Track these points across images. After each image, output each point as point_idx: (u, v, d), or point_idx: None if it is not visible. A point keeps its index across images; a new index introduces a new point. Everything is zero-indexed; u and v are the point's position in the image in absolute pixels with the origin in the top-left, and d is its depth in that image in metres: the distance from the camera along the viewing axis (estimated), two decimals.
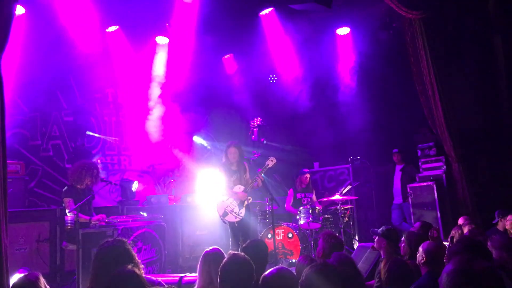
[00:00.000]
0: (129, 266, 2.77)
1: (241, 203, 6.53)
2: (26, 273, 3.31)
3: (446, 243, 4.62)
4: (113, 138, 8.97)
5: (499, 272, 2.13)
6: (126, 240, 3.39)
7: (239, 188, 6.58)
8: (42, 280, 3.19)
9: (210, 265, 3.48)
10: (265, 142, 9.44)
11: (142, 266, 3.31)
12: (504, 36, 7.94)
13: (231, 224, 6.54)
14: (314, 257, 4.32)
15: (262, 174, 6.58)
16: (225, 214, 6.50)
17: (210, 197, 7.79)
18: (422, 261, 3.63)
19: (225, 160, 6.75)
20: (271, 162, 6.62)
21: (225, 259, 3.10)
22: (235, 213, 6.48)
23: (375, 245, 4.81)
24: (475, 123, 8.01)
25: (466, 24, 7.94)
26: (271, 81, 10.75)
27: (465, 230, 5.44)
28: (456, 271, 2.04)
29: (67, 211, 5.74)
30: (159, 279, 3.71)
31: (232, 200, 6.55)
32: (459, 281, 2.01)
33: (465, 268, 2.03)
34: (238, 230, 6.55)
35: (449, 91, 7.75)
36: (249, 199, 6.65)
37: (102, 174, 6.76)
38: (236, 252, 3.22)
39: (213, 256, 3.56)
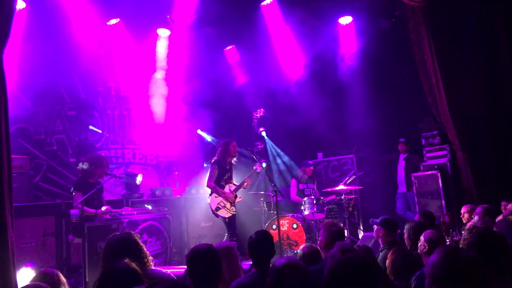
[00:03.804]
0: (126, 260, 2.67)
1: (233, 200, 6.75)
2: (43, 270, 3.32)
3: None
4: (106, 134, 9.00)
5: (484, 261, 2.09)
6: (133, 233, 3.40)
7: (231, 187, 6.78)
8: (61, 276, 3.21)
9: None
10: (263, 133, 9.42)
11: (151, 258, 3.31)
12: (507, 23, 7.86)
13: (223, 219, 6.70)
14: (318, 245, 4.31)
15: (262, 169, 6.82)
16: (217, 208, 6.64)
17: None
18: (424, 250, 3.63)
19: (222, 157, 6.83)
20: (259, 167, 6.82)
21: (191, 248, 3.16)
22: (227, 208, 6.66)
23: (374, 234, 4.81)
24: (480, 111, 7.95)
25: (470, 12, 7.86)
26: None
27: (475, 218, 5.46)
28: (440, 262, 2.01)
29: (73, 204, 5.76)
30: (165, 271, 3.72)
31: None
32: (444, 271, 1.98)
33: (450, 259, 2.00)
34: (229, 224, 6.72)
35: (453, 79, 7.69)
36: (240, 197, 6.89)
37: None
38: (201, 244, 3.25)
39: (224, 250, 3.56)
